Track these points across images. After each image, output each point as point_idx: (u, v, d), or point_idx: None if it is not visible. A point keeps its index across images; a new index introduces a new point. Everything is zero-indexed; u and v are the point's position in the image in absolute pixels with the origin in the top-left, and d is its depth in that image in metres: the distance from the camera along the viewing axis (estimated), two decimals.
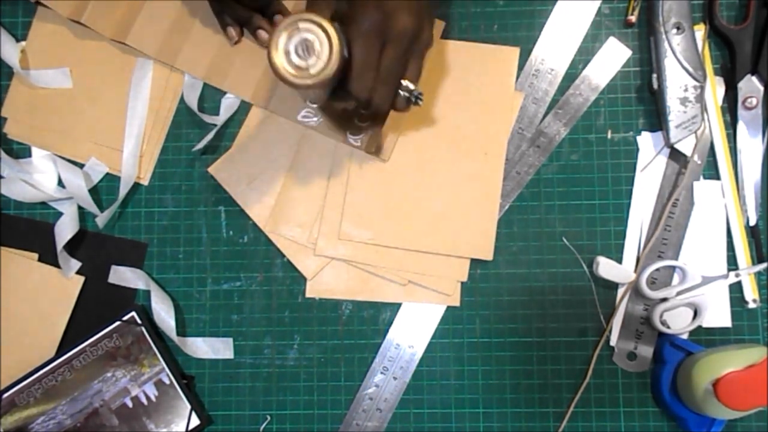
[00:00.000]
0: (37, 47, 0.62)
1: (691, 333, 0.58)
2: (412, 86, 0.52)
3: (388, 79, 0.51)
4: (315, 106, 0.60)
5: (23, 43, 0.62)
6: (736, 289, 0.58)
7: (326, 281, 0.60)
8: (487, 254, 0.59)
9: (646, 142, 0.60)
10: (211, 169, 0.60)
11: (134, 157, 0.60)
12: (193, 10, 0.60)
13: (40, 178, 0.61)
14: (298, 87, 0.47)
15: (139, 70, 0.61)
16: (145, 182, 0.61)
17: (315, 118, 0.60)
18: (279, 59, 0.47)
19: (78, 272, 0.60)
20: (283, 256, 0.60)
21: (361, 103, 0.51)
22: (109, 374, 0.58)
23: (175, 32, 0.60)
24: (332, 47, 0.46)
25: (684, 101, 0.57)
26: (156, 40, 0.60)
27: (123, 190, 0.60)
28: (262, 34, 0.60)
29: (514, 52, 0.60)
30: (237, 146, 0.61)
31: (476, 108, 0.60)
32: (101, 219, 0.60)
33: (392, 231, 0.59)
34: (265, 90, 0.60)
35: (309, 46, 0.46)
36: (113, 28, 0.60)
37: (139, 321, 0.58)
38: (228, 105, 0.61)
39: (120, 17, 0.60)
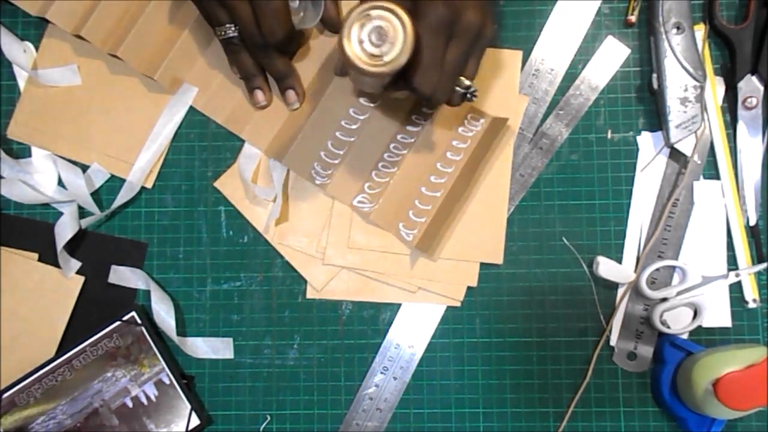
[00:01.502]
0: (49, 58, 0.62)
1: (691, 333, 0.58)
2: (467, 82, 0.52)
3: (450, 75, 0.50)
4: (325, 166, 0.59)
5: (27, 43, 0.62)
6: (736, 289, 0.58)
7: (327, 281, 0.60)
8: (497, 258, 0.59)
9: (646, 142, 0.60)
10: (216, 183, 0.60)
11: (143, 171, 0.60)
12: (219, 52, 0.60)
13: (40, 178, 0.61)
14: (373, 75, 0.46)
15: (182, 95, 0.61)
16: (149, 185, 0.61)
17: (326, 179, 0.59)
18: (353, 48, 0.46)
19: (78, 272, 0.60)
20: (283, 256, 0.60)
21: (422, 97, 0.50)
22: (109, 374, 0.58)
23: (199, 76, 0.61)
24: (406, 33, 0.46)
25: (684, 101, 0.57)
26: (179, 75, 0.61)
27: (121, 199, 0.60)
28: (292, 94, 0.59)
29: (516, 56, 0.60)
30: (242, 159, 0.61)
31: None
32: (86, 222, 0.60)
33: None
34: (281, 144, 0.60)
35: (382, 34, 0.46)
36: (146, 65, 0.60)
37: (139, 321, 0.58)
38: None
39: (151, 55, 0.60)
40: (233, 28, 0.55)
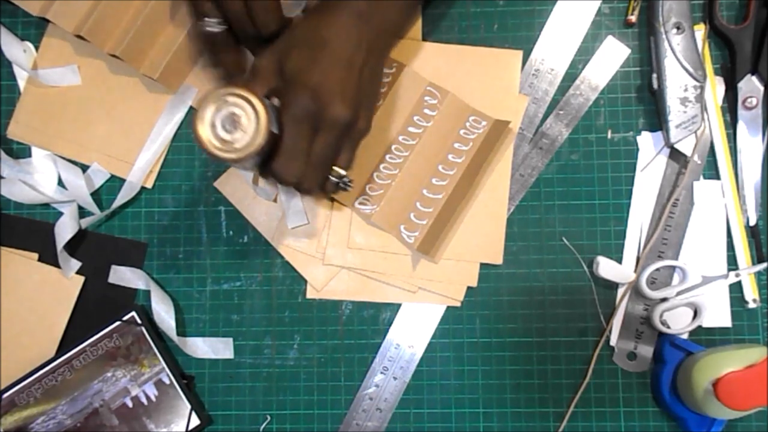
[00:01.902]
0: (50, 58, 0.62)
1: (691, 333, 0.58)
2: (342, 172, 0.52)
3: (317, 165, 0.50)
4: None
5: (27, 43, 0.62)
6: (736, 289, 0.58)
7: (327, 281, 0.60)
8: (497, 258, 0.59)
9: (646, 142, 0.60)
10: (217, 184, 0.61)
11: (143, 172, 0.60)
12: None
13: (40, 178, 0.61)
14: (222, 160, 0.47)
15: (181, 95, 0.61)
16: (149, 185, 0.61)
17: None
18: (204, 132, 0.46)
19: (78, 272, 0.60)
20: (283, 256, 0.60)
21: (286, 184, 0.51)
22: (109, 374, 0.58)
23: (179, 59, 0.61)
24: (258, 123, 0.46)
25: (684, 101, 0.57)
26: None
27: (121, 199, 0.60)
28: None
29: (516, 56, 0.60)
30: None
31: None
32: (86, 222, 0.60)
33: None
34: None
35: (236, 120, 0.46)
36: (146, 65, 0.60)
37: (139, 321, 0.58)
38: None
39: (151, 55, 0.59)
40: (217, 22, 0.54)
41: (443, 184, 0.59)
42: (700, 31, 0.59)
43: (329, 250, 0.59)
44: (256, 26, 0.53)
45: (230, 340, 0.60)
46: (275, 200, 0.60)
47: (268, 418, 0.59)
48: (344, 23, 0.50)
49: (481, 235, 0.59)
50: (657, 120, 0.59)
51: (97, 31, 0.59)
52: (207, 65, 0.59)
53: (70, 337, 0.60)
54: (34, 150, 0.62)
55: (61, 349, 0.59)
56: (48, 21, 0.60)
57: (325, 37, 0.49)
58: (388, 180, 0.59)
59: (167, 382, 0.58)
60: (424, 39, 0.61)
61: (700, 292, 0.58)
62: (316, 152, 0.50)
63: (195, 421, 0.57)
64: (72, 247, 0.60)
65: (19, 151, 0.62)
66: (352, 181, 0.54)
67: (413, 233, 0.58)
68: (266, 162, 0.50)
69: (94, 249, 0.61)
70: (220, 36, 0.55)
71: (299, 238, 0.60)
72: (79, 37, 0.59)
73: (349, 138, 0.51)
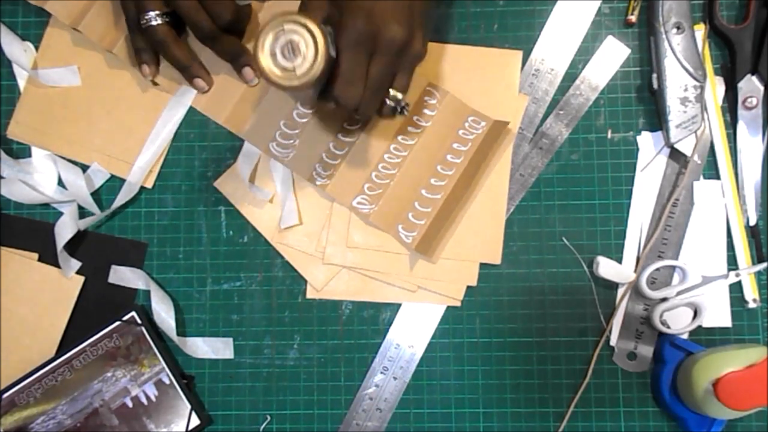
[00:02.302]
0: (50, 57, 0.62)
1: (691, 333, 0.58)
2: (399, 96, 0.53)
3: (374, 89, 0.51)
4: (287, 140, 0.59)
5: (28, 43, 0.62)
6: (736, 289, 0.58)
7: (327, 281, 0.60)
8: (496, 258, 0.59)
9: (646, 142, 0.60)
10: (217, 184, 0.60)
11: (143, 171, 0.60)
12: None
13: (40, 178, 0.61)
14: (284, 88, 0.47)
15: (181, 95, 0.61)
16: (149, 185, 0.61)
17: (287, 151, 0.59)
18: (265, 60, 0.47)
19: (78, 272, 0.60)
20: (283, 256, 0.60)
21: (346, 108, 0.51)
22: (109, 374, 0.58)
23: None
24: (317, 49, 0.46)
25: (684, 101, 0.57)
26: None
27: (121, 200, 0.60)
28: (249, 71, 0.59)
29: (516, 56, 0.60)
30: (241, 159, 0.61)
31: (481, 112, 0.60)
32: (85, 222, 0.60)
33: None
34: (240, 116, 0.60)
35: (295, 48, 0.46)
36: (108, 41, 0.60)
37: (139, 321, 0.58)
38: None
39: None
40: (156, 14, 0.54)
41: (442, 185, 0.59)
42: (700, 31, 0.59)
43: (329, 249, 0.59)
44: (211, 16, 0.54)
45: (230, 340, 0.60)
46: (272, 200, 0.60)
47: (268, 418, 0.59)
48: None
49: (480, 235, 0.59)
50: (657, 120, 0.59)
51: (94, 26, 0.59)
52: (146, 63, 0.59)
53: (70, 337, 0.60)
54: (34, 150, 0.62)
55: (61, 349, 0.59)
56: (48, 22, 0.60)
57: None
58: (386, 180, 0.59)
59: (167, 382, 0.58)
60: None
61: (700, 292, 0.58)
62: (373, 75, 0.50)
63: (195, 421, 0.57)
64: (72, 247, 0.60)
65: (19, 151, 0.62)
66: (408, 104, 0.54)
67: (411, 233, 0.58)
68: (325, 88, 0.50)
69: (94, 249, 0.61)
70: (162, 30, 0.55)
71: (299, 237, 0.60)
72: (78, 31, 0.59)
73: (404, 60, 0.51)
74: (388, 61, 0.50)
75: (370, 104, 0.51)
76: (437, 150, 0.59)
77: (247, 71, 0.59)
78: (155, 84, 0.60)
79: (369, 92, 0.51)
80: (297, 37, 0.46)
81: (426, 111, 0.59)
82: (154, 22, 0.55)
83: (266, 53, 0.47)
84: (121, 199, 0.60)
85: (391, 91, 0.52)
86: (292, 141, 0.59)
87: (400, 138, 0.59)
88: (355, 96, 0.50)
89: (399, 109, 0.53)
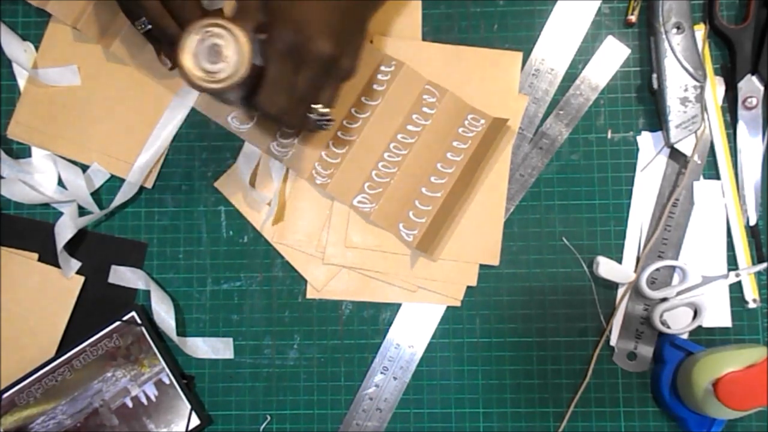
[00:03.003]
0: (50, 57, 0.62)
1: (691, 333, 0.58)
2: (323, 110, 0.52)
3: (300, 100, 0.50)
4: (287, 140, 0.59)
5: (28, 43, 0.62)
6: (736, 289, 0.58)
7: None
8: (494, 259, 0.59)
9: (646, 142, 0.60)
10: (217, 184, 0.60)
11: (143, 171, 0.60)
12: None
13: (40, 178, 0.61)
14: (203, 90, 0.47)
15: (183, 96, 0.61)
16: (149, 186, 0.61)
17: (287, 150, 0.59)
18: (188, 61, 0.47)
19: (78, 272, 0.60)
20: (283, 256, 0.60)
21: (269, 118, 0.51)
22: (109, 374, 0.58)
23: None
24: (242, 54, 0.46)
25: (684, 101, 0.57)
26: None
27: (120, 199, 0.60)
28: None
29: (516, 57, 0.60)
30: (241, 159, 0.61)
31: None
32: (81, 221, 0.60)
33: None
34: (241, 117, 0.60)
35: (219, 52, 0.46)
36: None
37: (139, 321, 0.58)
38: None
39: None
40: (145, 21, 0.55)
41: (442, 183, 0.59)
42: (700, 31, 0.59)
43: (329, 249, 0.59)
44: (178, 24, 0.54)
45: (230, 340, 0.60)
46: (270, 204, 0.60)
47: (268, 418, 0.59)
48: None
49: (479, 237, 0.59)
50: (657, 120, 0.59)
51: (93, 24, 0.59)
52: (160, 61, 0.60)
53: (70, 337, 0.60)
54: (34, 150, 0.62)
55: (61, 349, 0.59)
56: (48, 21, 0.60)
57: None
58: (386, 178, 0.59)
59: (167, 382, 0.58)
60: (424, 39, 0.61)
61: (700, 292, 0.58)
62: (299, 87, 0.50)
63: (195, 421, 0.57)
64: (72, 247, 0.60)
65: (19, 151, 0.62)
66: (332, 120, 0.54)
67: (412, 231, 0.58)
68: (250, 95, 0.50)
69: (94, 249, 0.61)
70: (154, 32, 0.55)
71: (299, 237, 0.60)
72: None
73: (332, 76, 0.51)
74: (315, 76, 0.50)
75: (293, 115, 0.51)
76: (437, 148, 0.59)
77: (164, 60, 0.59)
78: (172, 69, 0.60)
79: (293, 104, 0.50)
80: (222, 41, 0.46)
81: (425, 109, 0.59)
82: (145, 27, 0.55)
83: (189, 53, 0.47)
84: (120, 199, 0.60)
85: (316, 106, 0.52)
86: (291, 140, 0.60)
87: (400, 136, 0.59)
88: (278, 106, 0.50)
89: (323, 122, 0.53)
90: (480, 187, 0.59)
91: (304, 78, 0.50)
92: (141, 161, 0.60)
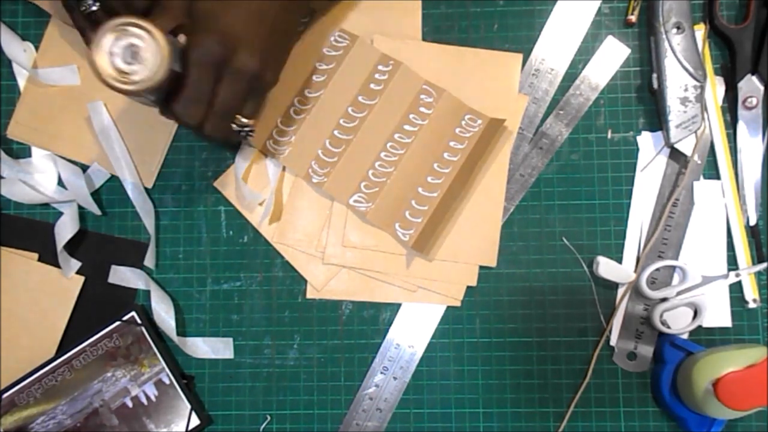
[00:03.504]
0: (50, 57, 0.62)
1: (691, 333, 0.58)
2: (245, 121, 0.51)
3: (219, 112, 0.49)
4: (284, 138, 0.59)
5: (28, 43, 0.62)
6: (736, 289, 0.58)
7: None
8: (491, 261, 0.59)
9: (646, 142, 0.60)
10: (216, 183, 0.61)
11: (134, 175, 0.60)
12: None
13: (40, 178, 0.61)
14: (116, 90, 0.45)
15: (96, 115, 0.60)
16: (149, 185, 0.61)
17: (283, 148, 0.59)
18: (101, 59, 0.45)
19: (78, 272, 0.60)
20: (283, 256, 0.60)
21: (186, 127, 0.50)
22: (109, 374, 0.58)
23: None
24: (159, 58, 0.45)
25: (684, 101, 0.57)
26: None
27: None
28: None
29: (516, 58, 0.60)
30: (239, 158, 0.61)
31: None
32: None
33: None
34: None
35: (135, 52, 0.45)
36: None
37: (139, 321, 0.58)
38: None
39: None
40: (92, 1, 0.54)
41: (439, 182, 0.59)
42: (700, 31, 0.59)
43: (329, 249, 0.59)
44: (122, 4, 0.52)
45: (230, 340, 0.60)
46: (262, 204, 0.60)
47: (268, 418, 0.59)
48: None
49: (476, 238, 0.59)
50: (657, 120, 0.59)
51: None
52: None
53: (70, 337, 0.60)
54: (34, 150, 0.62)
55: (61, 349, 0.59)
56: (48, 21, 0.60)
57: None
58: (383, 178, 0.59)
59: (167, 382, 0.58)
60: (424, 39, 0.61)
61: (700, 292, 0.58)
62: (220, 99, 0.49)
63: (195, 421, 0.57)
64: (72, 247, 0.60)
65: (19, 151, 0.62)
66: (254, 131, 0.53)
67: (408, 231, 0.58)
68: (168, 101, 0.48)
69: (94, 249, 0.61)
70: (97, 14, 0.54)
71: (299, 236, 0.60)
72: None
73: (254, 88, 0.50)
74: (237, 88, 0.49)
75: (215, 126, 0.50)
76: (434, 148, 0.59)
77: None
78: None
79: (213, 115, 0.49)
80: (140, 42, 0.45)
81: (422, 109, 0.59)
82: (94, 8, 0.54)
83: (104, 52, 0.45)
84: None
85: (238, 117, 0.51)
86: (288, 138, 0.60)
87: (396, 136, 0.59)
88: (195, 116, 0.48)
89: (243, 134, 0.52)
90: (477, 188, 0.59)
91: (226, 90, 0.48)
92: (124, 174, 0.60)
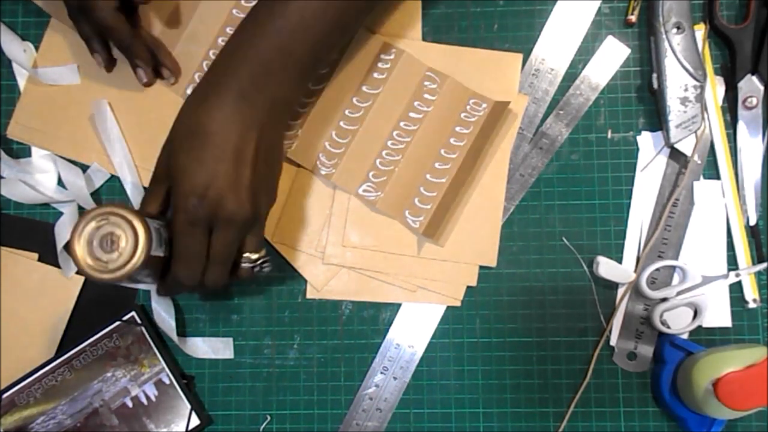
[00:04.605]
0: (50, 57, 0.62)
1: (691, 333, 0.58)
2: (254, 256, 0.51)
3: (220, 261, 0.49)
4: (290, 131, 0.59)
5: (28, 43, 0.62)
6: (736, 289, 0.58)
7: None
8: (491, 261, 0.59)
9: (646, 142, 0.60)
10: None
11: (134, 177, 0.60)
12: None
13: (41, 178, 0.61)
14: (94, 280, 0.46)
15: (100, 114, 0.60)
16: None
17: (290, 142, 0.59)
18: (79, 249, 0.46)
19: (78, 272, 0.60)
20: (283, 256, 0.60)
21: (189, 290, 0.50)
22: (109, 374, 0.58)
23: None
24: (137, 248, 0.45)
25: (684, 101, 0.57)
26: None
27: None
28: (140, 73, 0.58)
29: (516, 59, 0.60)
30: None
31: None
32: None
33: (395, 237, 0.59)
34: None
35: (114, 241, 0.45)
36: None
37: (139, 321, 0.58)
38: None
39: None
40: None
41: (446, 168, 0.59)
42: (700, 30, 0.59)
43: (329, 248, 0.59)
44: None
45: (230, 340, 0.60)
46: None
47: (268, 418, 0.59)
48: (227, 110, 0.47)
49: (477, 238, 0.59)
50: (657, 120, 0.59)
51: None
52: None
53: (70, 337, 0.60)
54: (34, 150, 0.62)
55: (61, 349, 0.59)
56: (47, 21, 0.60)
57: (207, 129, 0.46)
58: (391, 166, 0.59)
59: (167, 382, 0.58)
60: (424, 39, 0.61)
61: (700, 292, 0.58)
62: (217, 249, 0.48)
63: (195, 421, 0.57)
64: None
65: (19, 151, 0.62)
66: (268, 259, 0.52)
67: (418, 218, 0.58)
68: (165, 271, 0.49)
69: None
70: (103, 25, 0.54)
71: (299, 236, 0.60)
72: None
73: (250, 228, 0.49)
74: (231, 235, 0.48)
75: (218, 276, 0.49)
76: (440, 134, 0.59)
77: (140, 74, 0.58)
78: (109, 71, 0.60)
79: (215, 265, 0.49)
80: (119, 231, 0.45)
81: (427, 96, 0.59)
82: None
83: (83, 240, 0.45)
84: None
85: (245, 254, 0.51)
86: (294, 131, 0.59)
87: (402, 124, 0.59)
88: (193, 276, 0.48)
89: (258, 267, 0.52)
90: (484, 173, 0.59)
91: (220, 242, 0.48)
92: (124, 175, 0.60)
